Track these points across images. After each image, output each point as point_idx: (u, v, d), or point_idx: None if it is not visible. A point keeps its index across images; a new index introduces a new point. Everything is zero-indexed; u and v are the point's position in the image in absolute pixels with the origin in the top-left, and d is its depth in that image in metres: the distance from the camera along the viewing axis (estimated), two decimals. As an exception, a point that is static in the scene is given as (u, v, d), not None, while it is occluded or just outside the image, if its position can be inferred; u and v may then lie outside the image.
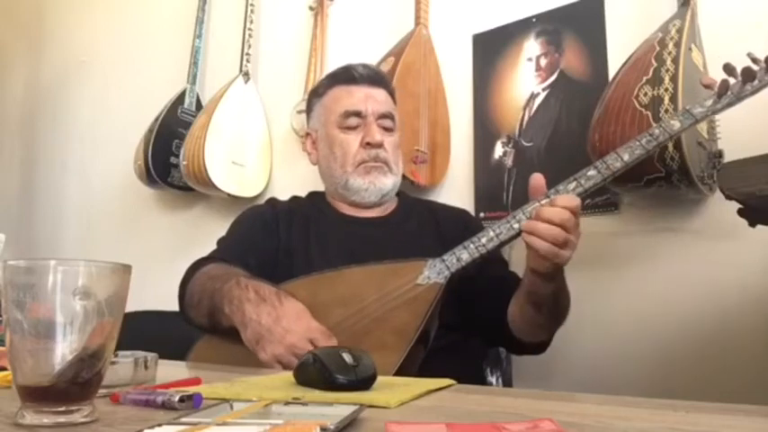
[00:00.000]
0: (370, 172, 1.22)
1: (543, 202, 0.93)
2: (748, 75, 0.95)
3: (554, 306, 0.99)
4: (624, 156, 0.96)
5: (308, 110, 1.35)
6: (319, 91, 1.31)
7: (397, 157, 1.27)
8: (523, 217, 0.96)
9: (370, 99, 1.24)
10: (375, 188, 1.22)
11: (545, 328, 1.05)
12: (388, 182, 1.24)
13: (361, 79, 1.25)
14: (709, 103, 0.98)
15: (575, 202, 0.89)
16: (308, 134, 1.34)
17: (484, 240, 0.98)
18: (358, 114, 1.23)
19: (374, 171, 1.22)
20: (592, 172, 0.96)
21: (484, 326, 1.14)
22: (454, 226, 1.23)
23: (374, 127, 1.22)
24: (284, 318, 0.92)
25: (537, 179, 0.95)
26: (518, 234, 0.97)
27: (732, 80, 0.97)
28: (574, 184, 0.97)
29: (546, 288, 0.96)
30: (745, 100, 0.97)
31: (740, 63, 0.97)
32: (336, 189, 1.26)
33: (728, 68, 0.97)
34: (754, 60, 0.96)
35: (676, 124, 0.97)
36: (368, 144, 1.21)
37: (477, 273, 1.09)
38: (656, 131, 0.97)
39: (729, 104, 0.97)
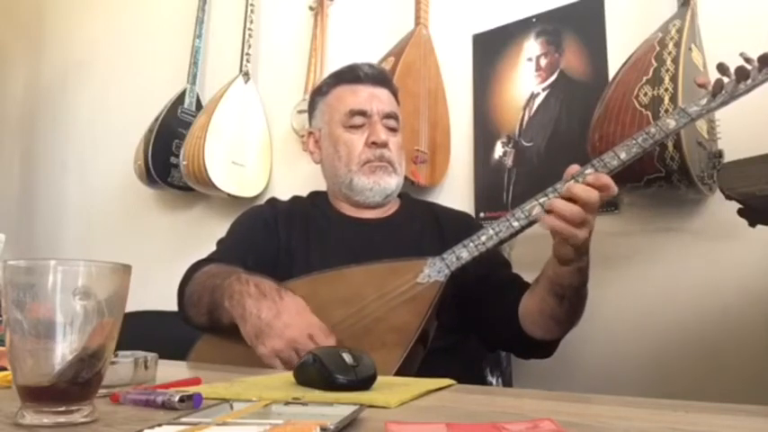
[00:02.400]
0: (375, 171, 1.22)
1: (551, 194, 0.95)
2: (742, 74, 0.96)
3: (576, 300, 0.99)
4: (621, 154, 0.97)
5: (311, 108, 1.34)
6: (323, 90, 1.30)
7: (400, 158, 1.27)
8: (522, 215, 0.97)
9: (375, 99, 1.24)
10: (379, 188, 1.22)
11: (562, 322, 1.03)
12: (393, 182, 1.24)
13: (366, 78, 1.25)
14: (704, 101, 0.99)
15: (603, 180, 0.90)
16: (310, 133, 1.33)
17: (483, 239, 0.99)
18: (363, 114, 1.23)
19: (379, 171, 1.22)
20: (589, 170, 0.96)
21: (493, 328, 1.13)
22: (456, 229, 1.23)
23: (379, 126, 1.22)
24: (285, 312, 0.92)
25: (573, 168, 0.96)
26: (517, 232, 0.98)
27: (726, 79, 0.98)
28: (572, 182, 0.97)
29: (571, 279, 0.95)
30: (739, 98, 0.98)
31: (739, 63, 0.98)
32: (340, 189, 1.26)
33: (722, 68, 0.98)
34: (747, 60, 0.97)
35: (672, 123, 0.98)
36: (373, 143, 1.21)
37: (484, 277, 1.09)
38: (653, 130, 0.97)
39: (724, 103, 0.98)
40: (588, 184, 0.90)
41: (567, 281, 0.96)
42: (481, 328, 1.16)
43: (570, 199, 0.89)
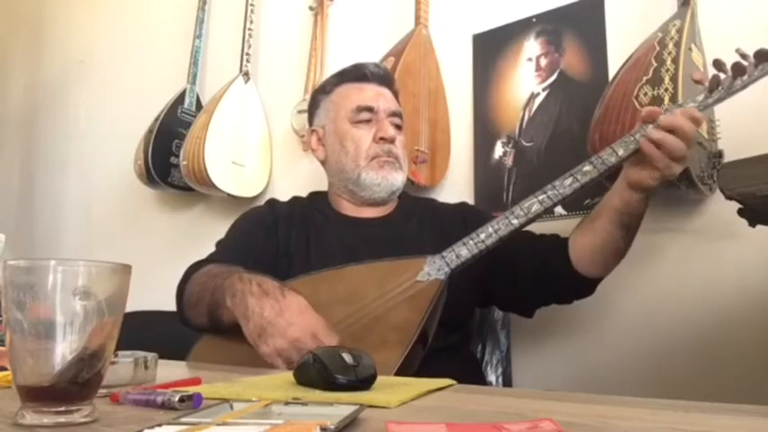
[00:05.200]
0: (384, 166, 1.22)
1: (638, 133, 0.96)
2: (738, 70, 0.96)
3: (636, 228, 1.03)
4: (619, 150, 0.97)
5: (313, 107, 1.34)
6: (326, 88, 1.31)
7: (405, 155, 1.28)
8: (522, 213, 0.98)
9: (382, 97, 1.25)
10: (387, 183, 1.22)
11: (621, 254, 1.07)
12: (399, 178, 1.24)
13: (372, 77, 1.26)
14: (701, 98, 0.99)
15: (699, 113, 0.94)
16: (312, 131, 1.33)
17: (483, 236, 1.00)
18: (370, 110, 1.23)
19: (387, 166, 1.22)
20: (587, 167, 0.97)
21: (537, 282, 1.13)
22: (455, 222, 1.24)
23: (386, 122, 1.23)
24: (287, 311, 0.92)
25: (651, 109, 0.98)
26: (516, 230, 0.99)
27: (722, 75, 0.97)
28: (570, 179, 0.97)
29: (640, 207, 0.99)
30: (735, 95, 0.98)
31: (736, 59, 0.98)
32: (346, 185, 1.25)
33: (718, 64, 0.98)
34: (744, 56, 0.96)
35: None
36: (381, 139, 1.22)
37: (508, 243, 1.08)
38: (650, 126, 0.97)
39: (720, 99, 0.98)
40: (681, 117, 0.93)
41: (637, 209, 0.99)
42: (522, 290, 1.16)
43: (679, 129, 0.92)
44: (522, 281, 1.15)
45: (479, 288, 1.19)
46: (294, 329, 0.90)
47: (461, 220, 1.24)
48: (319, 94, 1.32)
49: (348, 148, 1.23)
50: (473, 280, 1.15)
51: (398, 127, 1.26)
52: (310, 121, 1.36)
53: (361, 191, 1.23)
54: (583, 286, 1.12)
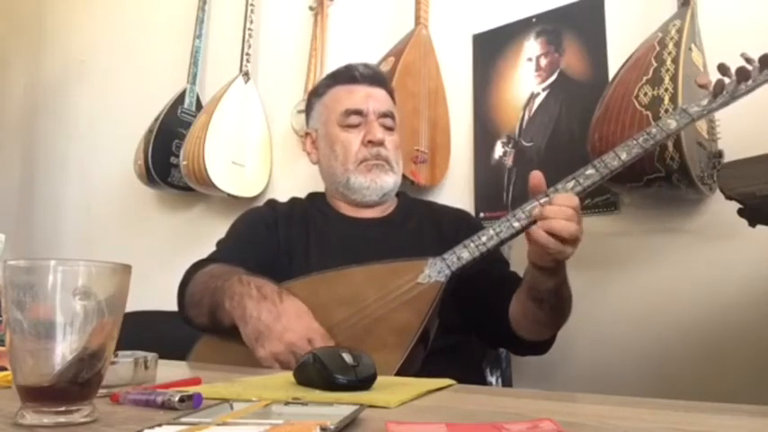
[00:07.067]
0: (372, 170, 1.22)
1: (543, 201, 0.93)
2: (743, 74, 0.96)
3: (556, 302, 0.99)
4: (622, 155, 0.97)
5: (308, 110, 1.35)
6: (319, 91, 1.31)
7: (397, 156, 1.27)
8: (523, 216, 0.97)
9: (371, 98, 1.24)
10: (376, 186, 1.22)
11: (547, 325, 1.04)
12: (390, 180, 1.24)
13: (362, 79, 1.26)
14: (705, 102, 0.99)
15: (575, 201, 0.90)
16: (307, 134, 1.34)
17: (484, 239, 0.99)
18: (359, 113, 1.23)
19: (375, 169, 1.22)
20: (590, 171, 0.96)
21: (487, 327, 1.14)
22: (454, 226, 1.23)
23: (375, 125, 1.23)
24: (284, 316, 0.92)
25: (537, 177, 0.95)
26: (518, 233, 0.98)
27: (727, 80, 0.97)
28: (572, 182, 0.97)
29: (547, 283, 0.95)
30: (740, 99, 0.98)
31: (740, 63, 0.98)
32: (337, 188, 1.26)
33: (723, 68, 0.98)
34: (748, 60, 0.97)
35: (673, 123, 0.98)
36: (369, 142, 1.22)
37: (479, 273, 1.09)
38: (653, 130, 0.98)
39: (724, 104, 0.98)
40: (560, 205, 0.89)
41: (544, 285, 0.96)
42: (479, 327, 1.17)
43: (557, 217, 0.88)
44: (480, 327, 1.16)
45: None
46: (291, 334, 0.90)
47: (460, 226, 1.23)
48: (313, 97, 1.33)
49: (337, 152, 1.23)
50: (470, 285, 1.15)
51: (389, 128, 1.25)
52: (307, 123, 1.37)
53: (352, 194, 1.24)
54: (526, 347, 1.10)
